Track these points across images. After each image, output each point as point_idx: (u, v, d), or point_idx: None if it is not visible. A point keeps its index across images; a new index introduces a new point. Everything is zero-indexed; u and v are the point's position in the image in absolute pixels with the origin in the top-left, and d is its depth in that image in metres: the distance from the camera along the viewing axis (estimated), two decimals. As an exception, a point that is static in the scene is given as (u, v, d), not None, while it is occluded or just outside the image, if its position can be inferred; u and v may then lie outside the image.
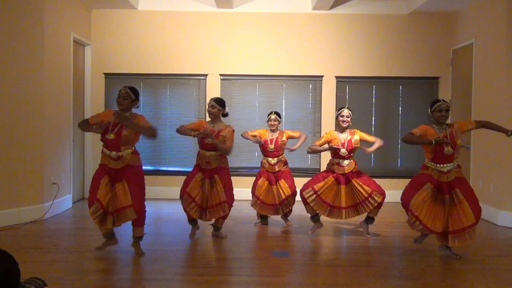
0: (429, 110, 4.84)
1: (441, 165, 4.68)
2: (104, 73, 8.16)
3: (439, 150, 4.65)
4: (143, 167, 4.85)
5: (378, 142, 5.54)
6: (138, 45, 8.18)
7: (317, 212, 5.59)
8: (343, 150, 5.47)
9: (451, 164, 4.68)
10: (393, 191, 7.93)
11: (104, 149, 4.68)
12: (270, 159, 6.00)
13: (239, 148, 8.14)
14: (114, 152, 4.60)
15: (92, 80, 8.13)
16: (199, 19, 8.20)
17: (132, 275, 4.33)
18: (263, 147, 6.03)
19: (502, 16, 6.52)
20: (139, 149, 4.87)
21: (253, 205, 6.08)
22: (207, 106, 5.44)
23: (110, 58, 8.16)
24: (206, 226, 5.74)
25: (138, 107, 4.84)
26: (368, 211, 5.52)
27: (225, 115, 5.46)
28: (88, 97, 8.07)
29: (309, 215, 5.70)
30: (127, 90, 4.70)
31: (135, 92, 4.77)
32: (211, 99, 5.44)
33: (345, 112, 5.55)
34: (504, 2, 6.46)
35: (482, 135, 6.29)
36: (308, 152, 5.76)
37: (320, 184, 5.47)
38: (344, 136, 5.53)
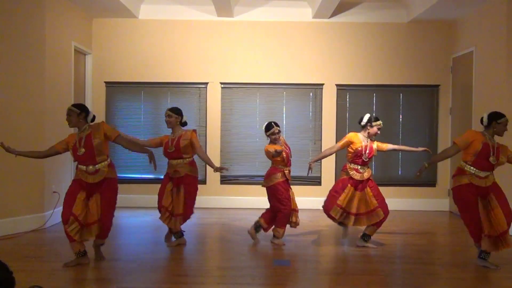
0: (485, 118, 4.74)
1: (482, 171, 4.67)
2: (105, 82, 8.18)
3: (484, 157, 4.63)
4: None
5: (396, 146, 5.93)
6: (139, 53, 8.21)
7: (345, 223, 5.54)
8: (364, 155, 5.43)
9: (490, 171, 4.72)
10: (393, 199, 7.95)
11: (80, 165, 4.65)
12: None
13: (241, 156, 8.15)
14: (91, 166, 4.60)
15: (93, 88, 8.15)
16: (200, 28, 8.23)
17: (131, 284, 4.30)
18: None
19: (502, 24, 6.54)
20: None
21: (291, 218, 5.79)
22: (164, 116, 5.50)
23: (111, 66, 8.19)
24: (204, 234, 5.72)
25: (91, 119, 4.74)
26: (367, 225, 5.43)
27: (184, 123, 5.55)
28: (89, 105, 8.06)
29: (308, 221, 5.62)
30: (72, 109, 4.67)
31: (80, 107, 4.74)
32: (167, 109, 5.52)
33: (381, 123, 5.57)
34: (504, 10, 6.49)
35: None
36: (314, 161, 5.74)
37: (342, 197, 5.38)
38: (366, 142, 5.50)
